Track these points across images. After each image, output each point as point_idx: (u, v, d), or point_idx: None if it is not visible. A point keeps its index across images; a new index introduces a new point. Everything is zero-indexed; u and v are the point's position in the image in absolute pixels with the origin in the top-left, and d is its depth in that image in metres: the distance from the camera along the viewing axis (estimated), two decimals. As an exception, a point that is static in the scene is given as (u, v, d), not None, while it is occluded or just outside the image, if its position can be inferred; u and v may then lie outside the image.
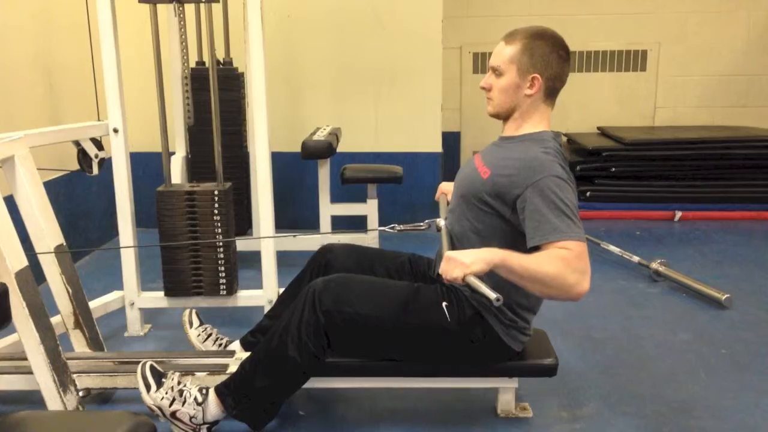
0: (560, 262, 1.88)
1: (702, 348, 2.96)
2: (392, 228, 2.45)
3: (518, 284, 1.94)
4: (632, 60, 5.69)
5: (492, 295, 1.81)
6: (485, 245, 2.01)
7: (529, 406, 2.47)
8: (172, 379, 2.26)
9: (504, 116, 2.19)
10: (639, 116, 5.76)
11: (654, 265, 3.74)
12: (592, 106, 5.72)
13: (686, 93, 5.71)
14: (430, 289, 2.24)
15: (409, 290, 2.23)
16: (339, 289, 2.18)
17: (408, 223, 2.46)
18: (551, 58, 2.09)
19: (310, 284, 2.22)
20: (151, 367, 2.28)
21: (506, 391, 2.43)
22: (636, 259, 3.88)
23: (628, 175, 5.07)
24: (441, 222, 2.31)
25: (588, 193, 5.00)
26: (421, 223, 2.42)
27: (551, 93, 2.15)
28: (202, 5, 3.42)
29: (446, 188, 2.58)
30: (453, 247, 2.13)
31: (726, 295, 3.37)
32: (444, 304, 2.17)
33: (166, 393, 2.22)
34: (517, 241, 2.01)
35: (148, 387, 2.23)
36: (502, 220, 2.09)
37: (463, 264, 1.88)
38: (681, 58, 5.66)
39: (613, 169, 5.03)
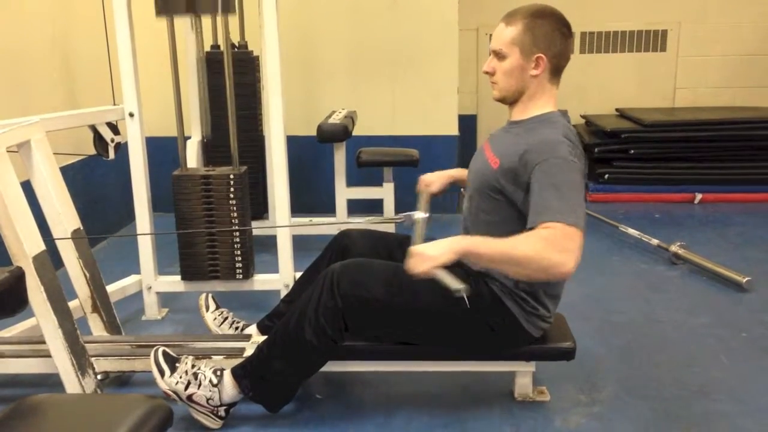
0: (540, 242, 1.86)
1: (722, 331, 2.93)
2: (365, 221, 2.44)
3: (495, 268, 1.92)
4: (652, 40, 5.60)
5: (453, 286, 1.80)
6: (499, 232, 1.99)
7: (547, 390, 2.46)
8: (186, 363, 2.26)
9: (511, 100, 2.16)
10: (658, 97, 5.67)
11: (673, 248, 3.70)
12: (610, 87, 5.65)
13: (707, 73, 5.61)
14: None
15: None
16: (357, 274, 2.17)
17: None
18: (554, 36, 2.06)
19: (328, 268, 2.22)
20: (164, 353, 2.28)
21: (524, 375, 2.41)
22: (655, 242, 3.84)
23: (647, 157, 5.00)
24: (417, 215, 2.21)
25: (606, 176, 4.95)
26: (398, 216, 2.29)
27: (556, 72, 2.12)
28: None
29: (428, 179, 2.51)
30: (424, 242, 2.06)
31: (746, 278, 3.32)
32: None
33: (181, 377, 2.22)
34: None
35: (162, 373, 2.23)
36: (515, 207, 2.07)
37: (429, 257, 1.90)
38: (701, 38, 5.55)
39: (632, 151, 4.96)
